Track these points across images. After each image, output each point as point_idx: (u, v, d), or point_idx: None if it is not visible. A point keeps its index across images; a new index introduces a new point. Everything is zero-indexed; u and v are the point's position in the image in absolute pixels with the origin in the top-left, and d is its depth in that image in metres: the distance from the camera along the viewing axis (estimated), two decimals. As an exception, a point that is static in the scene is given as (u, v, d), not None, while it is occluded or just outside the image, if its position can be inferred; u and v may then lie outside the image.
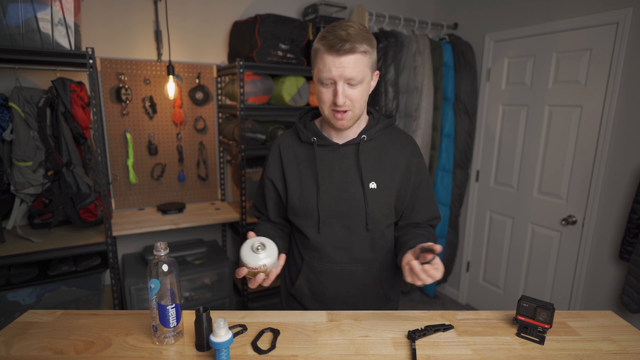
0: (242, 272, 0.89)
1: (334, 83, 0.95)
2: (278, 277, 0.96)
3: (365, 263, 1.08)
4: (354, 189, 1.03)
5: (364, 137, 1.05)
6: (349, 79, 0.93)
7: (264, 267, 0.88)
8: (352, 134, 1.06)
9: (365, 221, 1.04)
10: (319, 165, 1.05)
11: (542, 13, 2.27)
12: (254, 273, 0.89)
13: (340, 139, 1.06)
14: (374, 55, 0.98)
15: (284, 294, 1.24)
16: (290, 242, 1.20)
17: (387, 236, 1.10)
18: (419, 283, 0.88)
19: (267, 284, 0.92)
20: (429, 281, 0.86)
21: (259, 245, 0.89)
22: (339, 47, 0.91)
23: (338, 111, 0.97)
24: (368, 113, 1.11)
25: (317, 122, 1.12)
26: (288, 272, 1.20)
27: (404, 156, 1.07)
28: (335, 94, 0.95)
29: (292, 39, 2.20)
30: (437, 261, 0.87)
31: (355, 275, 1.09)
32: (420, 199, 1.11)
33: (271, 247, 0.91)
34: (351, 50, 0.91)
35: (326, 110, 1.00)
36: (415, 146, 1.12)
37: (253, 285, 0.92)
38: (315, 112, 1.15)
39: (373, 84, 1.03)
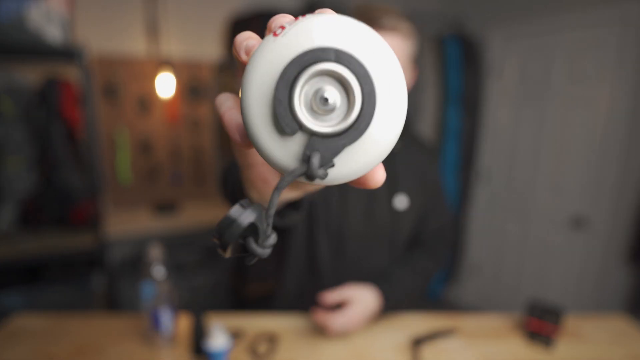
0: None
1: None
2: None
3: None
4: (384, 203, 0.91)
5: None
6: None
7: None
8: None
9: (388, 239, 0.95)
10: None
11: (551, 9, 2.22)
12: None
13: None
14: (415, 45, 0.83)
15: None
16: (282, 263, 0.98)
17: (403, 249, 1.02)
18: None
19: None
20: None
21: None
22: (376, 16, 0.73)
23: None
24: None
25: None
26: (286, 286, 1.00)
27: (424, 163, 0.96)
28: None
29: (290, 36, 2.18)
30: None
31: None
32: (431, 207, 1.00)
33: None
34: (393, 28, 0.74)
35: None
36: (432, 149, 1.02)
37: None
38: None
39: (411, 82, 0.86)
